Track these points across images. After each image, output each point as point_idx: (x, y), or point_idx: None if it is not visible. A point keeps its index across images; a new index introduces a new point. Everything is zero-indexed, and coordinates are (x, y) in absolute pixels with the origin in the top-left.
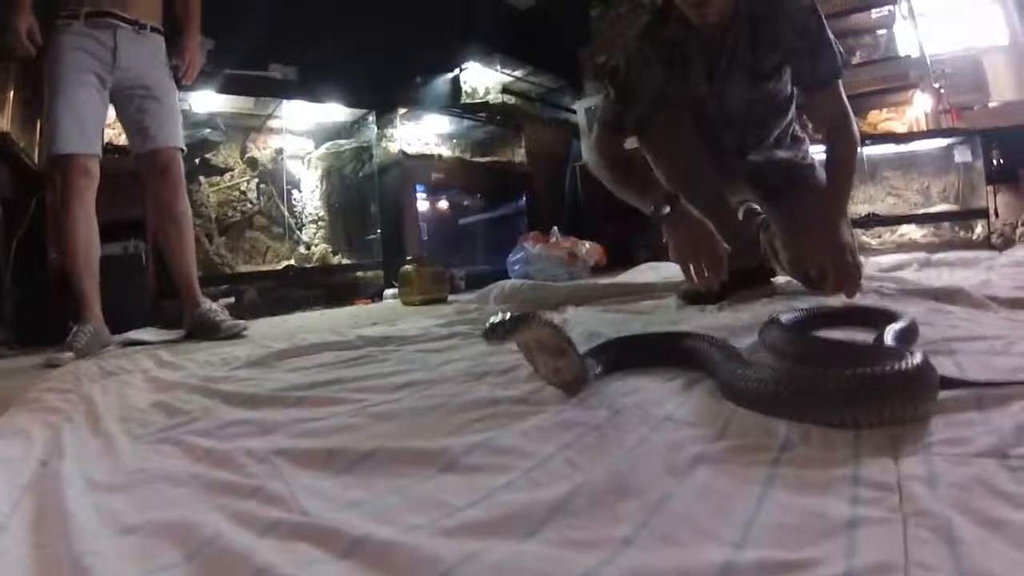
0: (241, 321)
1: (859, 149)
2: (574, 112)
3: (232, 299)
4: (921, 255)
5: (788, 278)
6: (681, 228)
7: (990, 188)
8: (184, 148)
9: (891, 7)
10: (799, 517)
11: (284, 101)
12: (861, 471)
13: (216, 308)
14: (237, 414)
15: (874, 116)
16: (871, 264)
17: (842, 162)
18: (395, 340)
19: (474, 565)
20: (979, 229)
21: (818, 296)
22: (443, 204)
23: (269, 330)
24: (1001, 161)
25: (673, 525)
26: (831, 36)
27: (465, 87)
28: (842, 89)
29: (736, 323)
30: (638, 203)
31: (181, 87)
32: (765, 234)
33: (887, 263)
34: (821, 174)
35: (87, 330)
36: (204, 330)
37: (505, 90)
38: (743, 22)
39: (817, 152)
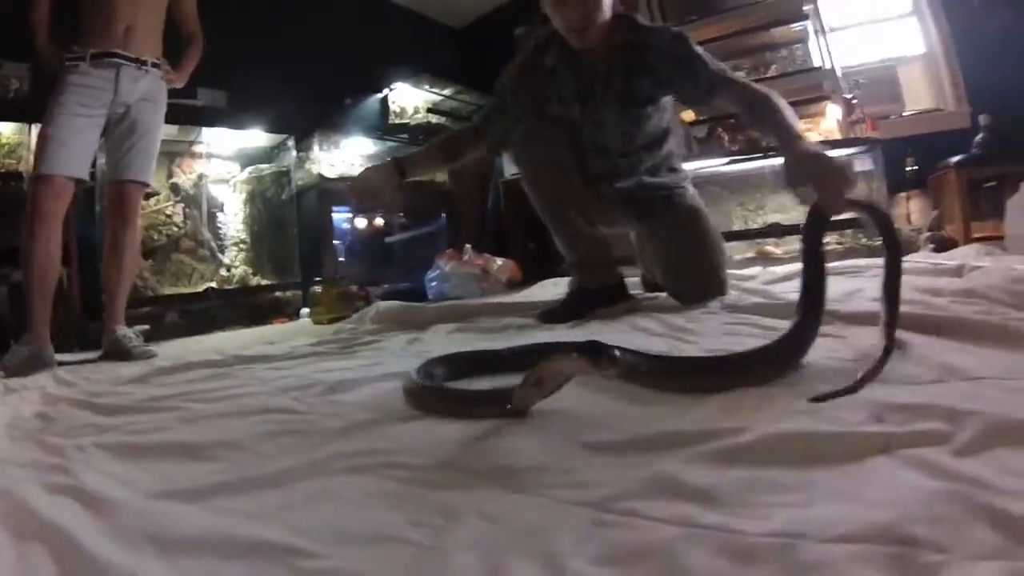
0: (151, 347)
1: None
2: None
3: (148, 327)
4: None
5: (661, 294)
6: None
7: (904, 195)
8: (151, 184)
9: (806, 22)
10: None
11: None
12: (466, 501)
13: (130, 334)
14: (93, 419)
15: None
16: (764, 275)
17: (771, 110)
18: (261, 359)
19: (151, 512)
20: None
21: (686, 310)
22: (367, 224)
23: (179, 350)
24: (916, 168)
25: (282, 507)
26: (701, 52)
27: (393, 107)
28: (735, 84)
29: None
30: None
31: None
32: (645, 250)
33: (780, 273)
34: (692, 194)
35: (22, 351)
36: (117, 355)
37: (431, 110)
38: (618, 51)
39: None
